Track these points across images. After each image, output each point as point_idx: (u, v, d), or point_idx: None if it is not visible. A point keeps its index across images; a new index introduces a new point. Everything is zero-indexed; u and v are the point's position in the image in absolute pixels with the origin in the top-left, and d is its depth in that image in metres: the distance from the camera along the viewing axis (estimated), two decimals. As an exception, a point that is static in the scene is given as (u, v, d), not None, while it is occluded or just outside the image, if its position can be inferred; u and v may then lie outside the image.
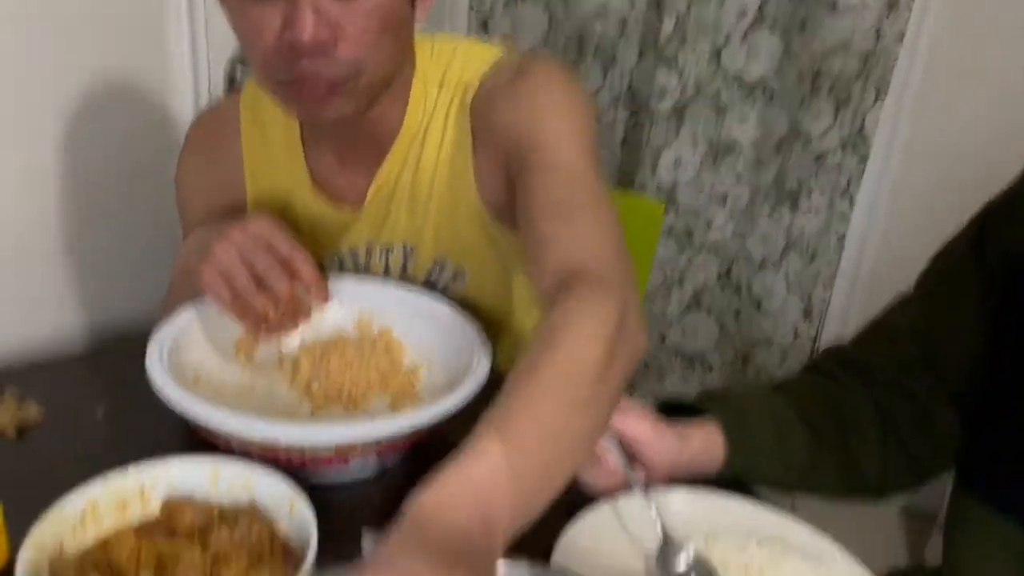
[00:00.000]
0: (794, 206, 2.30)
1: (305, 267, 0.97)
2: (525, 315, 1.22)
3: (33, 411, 0.95)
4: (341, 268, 1.14)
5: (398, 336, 1.09)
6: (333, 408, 0.98)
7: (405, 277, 1.13)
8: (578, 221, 0.84)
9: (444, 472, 0.60)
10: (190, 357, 0.98)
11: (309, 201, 1.12)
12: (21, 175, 1.16)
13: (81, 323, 1.25)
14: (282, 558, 0.72)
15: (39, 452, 0.91)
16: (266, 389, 1.01)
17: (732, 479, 0.90)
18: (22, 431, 0.93)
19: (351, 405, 0.99)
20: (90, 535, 0.73)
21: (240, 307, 0.95)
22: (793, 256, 2.36)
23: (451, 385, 0.94)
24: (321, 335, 1.08)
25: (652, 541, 0.82)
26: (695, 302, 2.51)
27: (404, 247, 1.11)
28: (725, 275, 2.47)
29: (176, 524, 0.74)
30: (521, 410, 0.65)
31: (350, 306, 1.10)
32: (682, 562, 0.80)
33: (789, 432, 0.91)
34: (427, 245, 1.10)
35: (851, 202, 2.24)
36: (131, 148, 1.31)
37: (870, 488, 0.96)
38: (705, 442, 0.89)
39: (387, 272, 1.13)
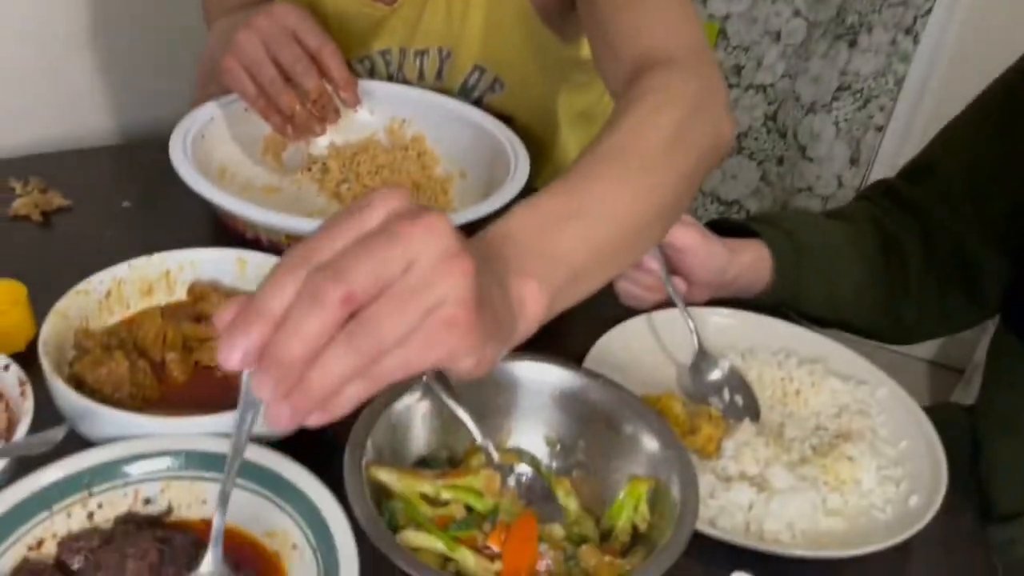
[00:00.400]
0: (852, 43, 2.16)
1: (335, 63, 0.91)
2: (569, 135, 1.15)
3: (58, 199, 0.93)
4: (372, 73, 1.08)
5: (431, 144, 1.04)
6: (365, 210, 0.95)
7: (440, 84, 1.06)
8: (651, 5, 0.75)
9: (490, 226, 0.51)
10: (216, 153, 0.94)
11: None
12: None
13: (108, 120, 1.21)
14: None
15: (64, 238, 0.90)
16: (294, 190, 0.97)
17: (772, 306, 0.87)
18: (47, 216, 0.91)
19: (381, 209, 0.95)
20: (116, 316, 0.72)
21: (265, 103, 0.90)
22: (845, 99, 2.24)
23: (486, 195, 0.91)
24: (350, 139, 1.03)
25: (686, 353, 0.80)
26: (738, 145, 2.42)
27: (440, 51, 1.04)
28: (771, 117, 2.37)
29: (202, 309, 0.73)
30: (574, 183, 0.55)
31: (381, 111, 1.05)
32: (716, 374, 0.78)
33: (839, 262, 0.87)
34: (465, 49, 1.03)
35: (915, 41, 2.10)
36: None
37: (905, 330, 0.92)
38: (755, 260, 0.84)
39: (421, 78, 1.07)
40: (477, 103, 1.05)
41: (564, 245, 0.51)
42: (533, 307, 0.48)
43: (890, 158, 2.27)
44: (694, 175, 0.62)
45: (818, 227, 0.89)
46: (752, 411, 0.76)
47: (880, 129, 2.25)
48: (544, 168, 1.13)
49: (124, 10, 1.19)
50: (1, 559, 0.52)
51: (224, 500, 0.48)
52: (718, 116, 0.64)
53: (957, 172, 0.87)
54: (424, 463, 0.64)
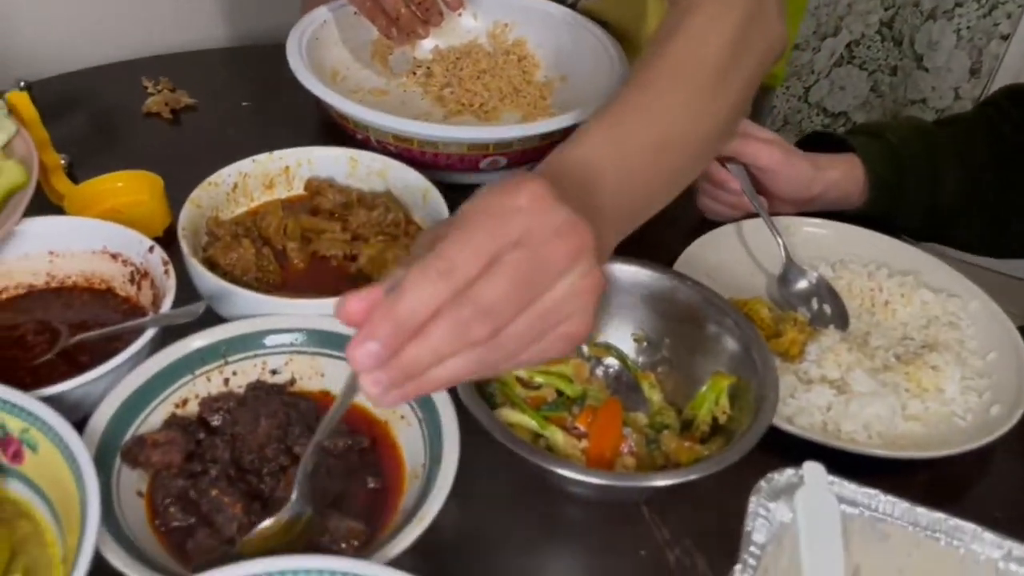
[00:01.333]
0: (982, -55, 2.03)
1: None
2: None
3: (185, 99, 1.00)
4: None
5: (532, 48, 1.06)
6: (465, 116, 0.99)
7: None
8: None
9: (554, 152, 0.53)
10: (328, 56, 0.99)
11: None
12: None
13: (226, 25, 1.27)
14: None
15: (192, 134, 0.97)
16: (400, 93, 1.01)
17: (870, 219, 0.87)
18: (176, 114, 0.98)
19: (483, 115, 0.99)
20: (241, 207, 0.78)
21: (372, 4, 0.94)
22: (969, 4, 2.11)
23: (585, 101, 0.92)
24: (454, 43, 1.06)
25: (775, 263, 0.81)
26: (848, 54, 2.32)
27: None
28: (887, 24, 2.26)
29: (318, 203, 0.78)
30: (631, 103, 0.55)
31: (485, 16, 1.07)
32: (804, 283, 0.80)
33: (945, 172, 0.85)
34: None
35: (1051, -58, 1.95)
36: None
37: (1012, 243, 0.90)
38: (844, 176, 0.84)
39: None
40: (572, 6, 1.06)
41: (642, 178, 0.54)
42: (607, 255, 0.51)
43: (1014, 68, 2.14)
44: (753, 81, 0.63)
45: (925, 136, 0.87)
46: (841, 320, 0.78)
47: (1005, 38, 2.12)
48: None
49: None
50: (152, 414, 0.60)
51: (314, 451, 0.53)
52: (772, 17, 0.64)
53: None
54: (519, 352, 0.69)
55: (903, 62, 2.29)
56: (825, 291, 0.79)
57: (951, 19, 2.16)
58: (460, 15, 1.05)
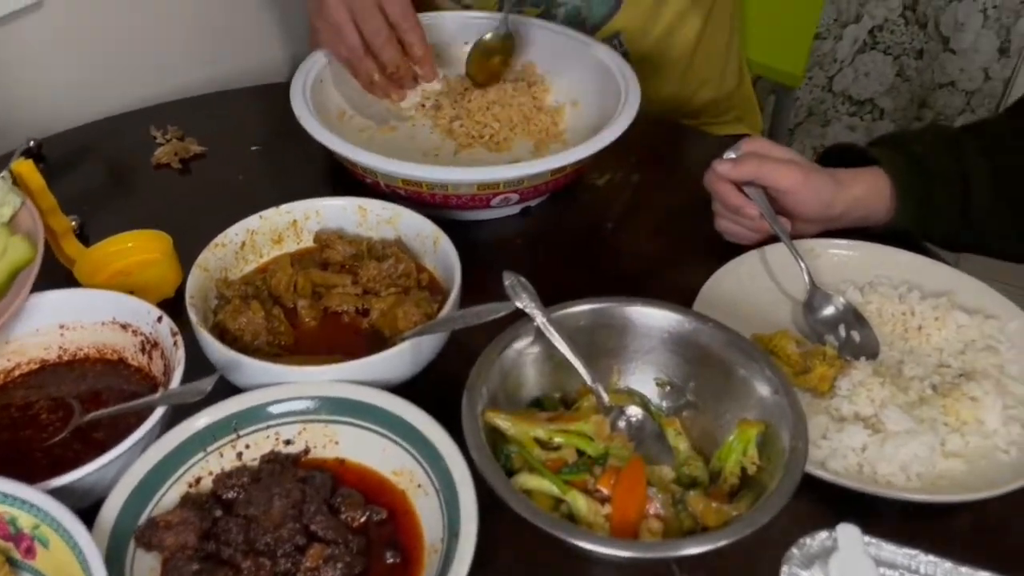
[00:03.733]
0: (1007, -80, 1.96)
1: (413, 37, 0.92)
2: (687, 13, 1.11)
3: (194, 146, 0.99)
4: None
5: (542, 73, 1.04)
6: (476, 148, 0.97)
7: None
8: None
9: None
10: (334, 96, 0.97)
11: None
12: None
13: (232, 64, 1.26)
14: (429, 291, 0.74)
15: (202, 183, 0.96)
16: (409, 128, 1.00)
17: (898, 234, 0.84)
18: (186, 163, 0.97)
19: (494, 146, 0.97)
20: (251, 263, 0.77)
21: (351, 65, 0.93)
22: (996, -17, 2.05)
23: (597, 125, 0.90)
24: (462, 72, 1.04)
25: (801, 289, 0.79)
26: (871, 40, 2.27)
27: None
28: (910, 7, 2.19)
29: (328, 256, 0.77)
30: None
31: (493, 41, 1.05)
32: (830, 310, 0.77)
33: (975, 181, 0.81)
34: None
35: (1079, -86, 1.88)
36: None
37: None
38: (868, 192, 0.81)
39: None
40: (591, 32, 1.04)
41: None
42: None
43: (1045, 48, 2.08)
44: None
45: (950, 142, 0.83)
46: (870, 348, 0.75)
47: (1035, 16, 2.05)
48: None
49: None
50: (166, 495, 0.59)
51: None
52: None
53: None
54: (538, 404, 0.67)
55: (929, 45, 2.23)
56: (852, 317, 0.76)
57: (976, -1, 2.10)
58: (467, 44, 1.03)
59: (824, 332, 0.76)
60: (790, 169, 0.79)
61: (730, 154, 0.82)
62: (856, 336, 0.76)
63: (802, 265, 0.78)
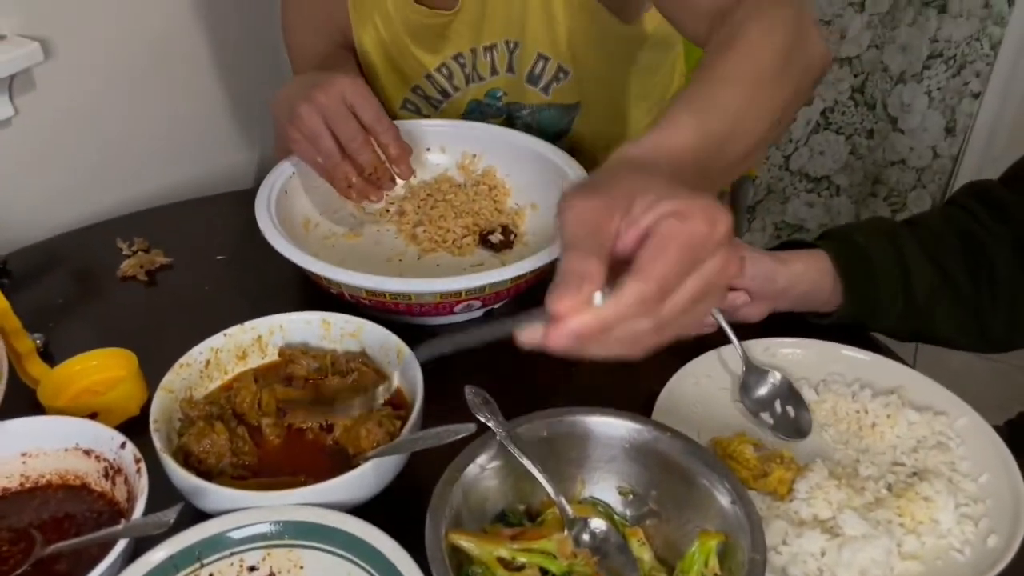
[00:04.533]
0: (942, 9, 2.07)
1: (388, 137, 0.94)
2: (641, 118, 1.17)
3: (160, 258, 1.00)
4: (451, 78, 1.10)
5: (502, 177, 1.07)
6: (440, 252, 0.99)
7: (512, 76, 1.09)
8: None
9: (640, 138, 0.59)
10: (298, 206, 1.00)
11: (407, 10, 1.07)
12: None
13: (194, 172, 1.29)
14: (392, 405, 0.75)
15: (168, 295, 0.97)
16: (374, 234, 1.02)
17: (848, 327, 0.87)
18: (152, 275, 0.99)
19: (457, 251, 0.99)
20: (215, 381, 0.78)
21: (327, 171, 0.94)
22: (937, 66, 2.15)
23: (557, 228, 0.93)
24: (425, 178, 1.07)
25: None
26: (824, 121, 2.35)
27: (507, 43, 1.06)
28: (859, 90, 2.29)
29: (292, 371, 0.78)
30: (707, 96, 0.63)
31: (453, 149, 1.08)
32: (764, 389, 0.79)
33: (916, 272, 0.85)
34: (530, 38, 1.05)
35: (1010, 1, 1.99)
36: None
37: (994, 340, 0.89)
38: (808, 268, 0.84)
39: (495, 73, 1.09)
40: (544, 91, 1.09)
41: (714, 166, 0.61)
42: None
43: (989, 125, 2.17)
44: (801, 89, 0.69)
45: (891, 234, 0.87)
46: (804, 425, 0.78)
47: (977, 96, 2.15)
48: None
49: (198, 65, 1.26)
50: (129, 629, 0.58)
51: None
52: (814, 41, 0.71)
53: None
54: (503, 517, 0.68)
55: (878, 125, 2.32)
56: (788, 392, 0.79)
57: (920, 81, 2.19)
58: (428, 151, 1.07)
59: (758, 411, 0.79)
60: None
61: None
62: (791, 411, 0.78)
63: (736, 343, 0.80)
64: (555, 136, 1.12)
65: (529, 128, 1.12)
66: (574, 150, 1.09)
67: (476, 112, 1.14)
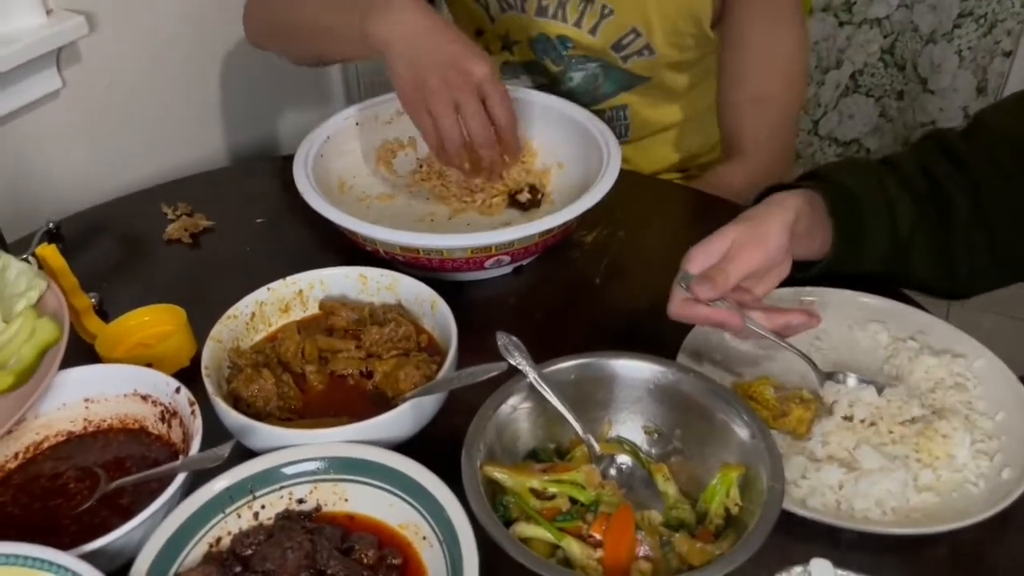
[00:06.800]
0: (973, -33, 2.05)
1: (510, 137, 0.94)
2: (685, 120, 1.23)
3: (203, 221, 1.05)
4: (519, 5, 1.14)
5: (528, 138, 1.10)
6: (470, 212, 1.02)
7: (592, 39, 1.13)
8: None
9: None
10: (334, 168, 1.03)
11: None
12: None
13: (234, 141, 1.34)
14: (428, 352, 0.79)
15: (212, 256, 1.02)
16: (406, 195, 1.06)
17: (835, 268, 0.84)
18: (196, 238, 1.03)
19: (486, 210, 1.02)
20: (260, 333, 0.82)
21: (438, 146, 0.94)
22: (968, 25, 2.13)
23: (582, 185, 0.96)
24: (455, 140, 1.10)
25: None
26: (853, 84, 2.34)
27: (603, 7, 1.10)
28: (888, 51, 2.27)
29: (333, 323, 0.82)
30: None
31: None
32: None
33: (899, 205, 0.82)
34: (628, 9, 1.10)
35: (1043, -42, 1.97)
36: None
37: (962, 283, 0.86)
38: (803, 201, 0.79)
39: (578, 25, 1.13)
40: (624, 60, 1.14)
41: None
42: None
43: (1021, 84, 2.14)
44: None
45: (871, 169, 0.85)
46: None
47: (1008, 55, 2.13)
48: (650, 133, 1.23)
49: (237, 36, 1.30)
50: (191, 554, 0.63)
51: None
52: None
53: (1002, 143, 0.82)
54: (534, 455, 0.72)
55: (908, 86, 2.31)
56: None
57: (951, 41, 2.18)
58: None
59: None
60: (746, 249, 0.76)
61: (683, 283, 0.76)
62: None
63: (806, 360, 0.78)
64: (603, 98, 1.19)
65: (581, 91, 1.18)
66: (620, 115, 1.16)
67: (541, 47, 1.17)
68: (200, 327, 0.81)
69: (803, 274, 0.84)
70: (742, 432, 0.67)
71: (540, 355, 0.72)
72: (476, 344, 0.76)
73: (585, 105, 1.15)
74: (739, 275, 0.75)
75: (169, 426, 0.73)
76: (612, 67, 1.16)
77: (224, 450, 0.65)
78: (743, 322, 0.74)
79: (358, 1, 0.92)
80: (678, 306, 0.76)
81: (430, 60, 0.88)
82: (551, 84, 1.21)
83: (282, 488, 0.67)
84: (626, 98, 1.20)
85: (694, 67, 1.18)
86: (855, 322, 0.85)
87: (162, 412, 0.74)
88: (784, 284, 0.85)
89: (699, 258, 0.76)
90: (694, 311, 0.75)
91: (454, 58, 0.88)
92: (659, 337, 0.81)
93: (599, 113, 1.18)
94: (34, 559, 0.57)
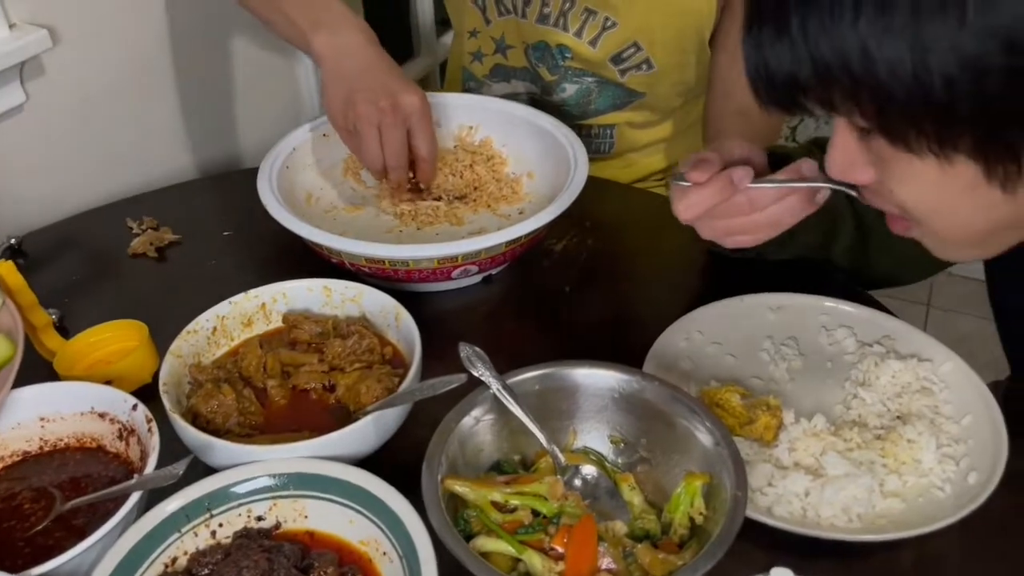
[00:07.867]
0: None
1: (430, 168, 0.97)
2: (675, 135, 1.24)
3: (168, 235, 1.04)
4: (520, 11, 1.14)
5: (498, 148, 1.09)
6: (440, 224, 1.02)
7: (591, 51, 1.12)
8: None
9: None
10: (300, 180, 1.03)
11: None
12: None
13: (200, 155, 1.32)
14: (393, 364, 0.78)
15: (177, 270, 1.00)
16: (374, 208, 1.05)
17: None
18: (161, 252, 1.02)
19: (455, 220, 1.02)
20: (222, 347, 0.81)
21: (361, 159, 0.96)
22: None
23: (552, 195, 0.95)
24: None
25: (744, 344, 0.83)
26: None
27: (606, 19, 1.10)
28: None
29: (296, 336, 0.81)
30: None
31: (449, 121, 1.11)
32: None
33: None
34: (630, 23, 1.09)
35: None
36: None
37: (885, 273, 0.90)
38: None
39: (579, 35, 1.12)
40: (622, 74, 1.14)
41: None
42: None
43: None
44: None
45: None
46: None
47: None
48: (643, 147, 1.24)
49: (202, 50, 1.29)
50: (146, 575, 0.62)
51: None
52: None
53: None
54: (499, 467, 0.71)
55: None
56: None
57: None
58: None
59: None
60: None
61: (678, 180, 0.71)
62: None
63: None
64: (593, 114, 1.19)
65: (574, 104, 1.18)
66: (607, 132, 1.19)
67: (538, 55, 1.17)
68: (165, 343, 0.80)
69: (777, 255, 0.86)
70: (705, 440, 0.67)
71: (510, 364, 0.71)
72: (445, 355, 0.75)
73: (574, 118, 1.16)
74: (728, 156, 0.72)
75: (127, 444, 0.72)
76: (608, 82, 1.15)
77: (179, 468, 0.64)
78: (750, 177, 0.69)
79: (312, 8, 0.93)
80: (679, 198, 0.71)
81: (363, 85, 0.91)
82: (542, 93, 1.20)
83: (240, 505, 0.66)
84: (615, 117, 1.19)
85: (691, 85, 1.17)
86: (822, 327, 0.85)
87: (120, 430, 0.72)
88: (752, 290, 0.85)
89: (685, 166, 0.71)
90: (699, 195, 0.69)
91: (388, 88, 0.91)
92: (630, 344, 0.80)
93: (586, 129, 1.19)
94: (-18, 583, 0.56)
